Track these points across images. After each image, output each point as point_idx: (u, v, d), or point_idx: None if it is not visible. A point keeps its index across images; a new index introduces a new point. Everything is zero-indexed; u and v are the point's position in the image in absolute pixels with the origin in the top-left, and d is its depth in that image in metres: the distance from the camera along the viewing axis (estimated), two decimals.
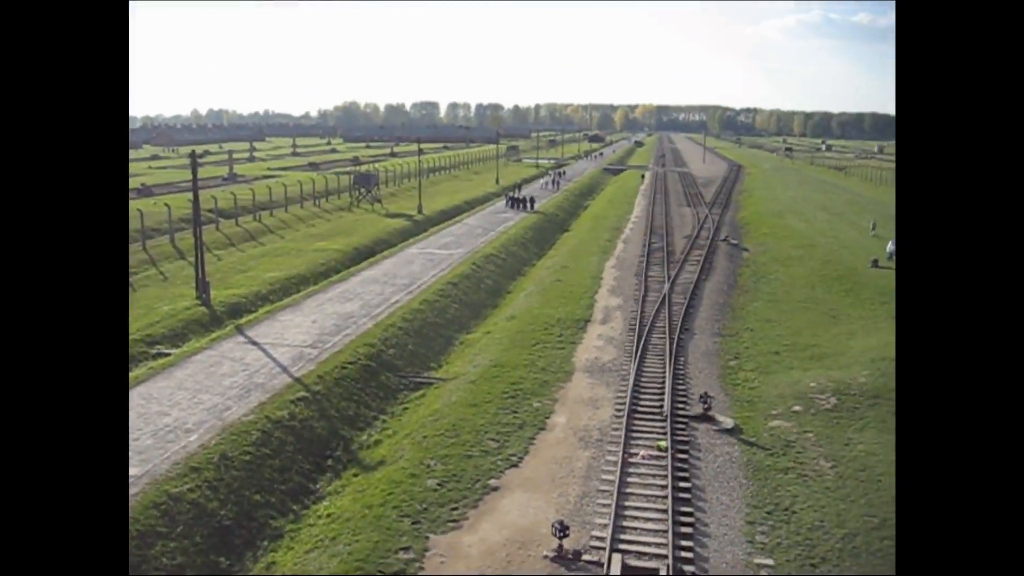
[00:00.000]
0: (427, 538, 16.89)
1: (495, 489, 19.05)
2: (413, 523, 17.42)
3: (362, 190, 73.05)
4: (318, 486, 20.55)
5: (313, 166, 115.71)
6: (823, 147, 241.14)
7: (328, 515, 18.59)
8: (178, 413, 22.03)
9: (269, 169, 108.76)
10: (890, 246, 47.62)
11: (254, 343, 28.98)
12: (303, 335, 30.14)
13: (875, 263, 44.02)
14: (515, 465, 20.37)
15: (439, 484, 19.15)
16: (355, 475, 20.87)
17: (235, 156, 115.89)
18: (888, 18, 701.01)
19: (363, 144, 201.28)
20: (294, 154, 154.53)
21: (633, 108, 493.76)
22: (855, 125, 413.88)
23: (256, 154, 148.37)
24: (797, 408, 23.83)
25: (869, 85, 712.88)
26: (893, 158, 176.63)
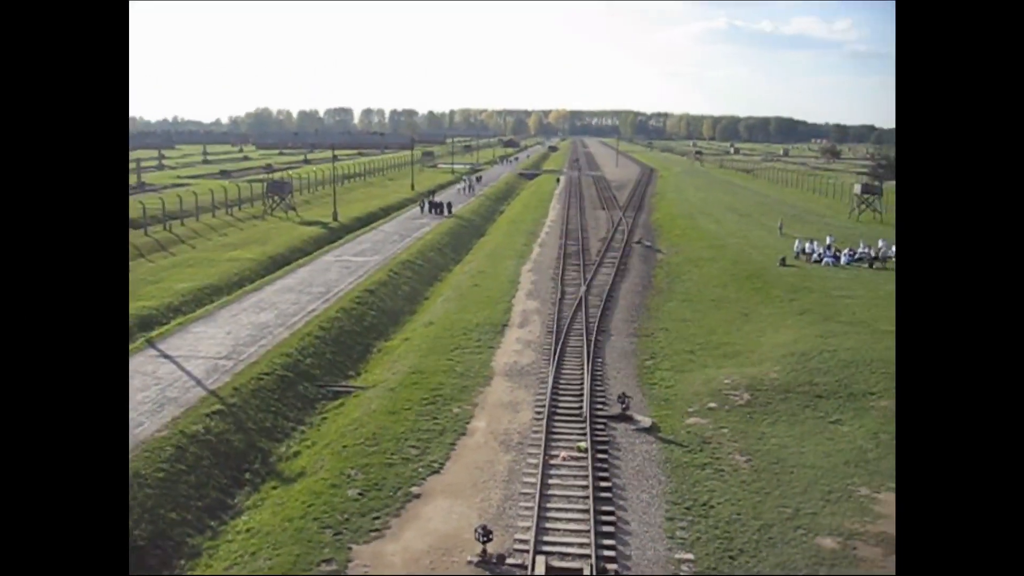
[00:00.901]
0: (350, 548, 16.74)
1: (417, 496, 18.99)
2: (335, 534, 17.24)
3: (276, 198, 71.77)
4: (236, 501, 20.12)
5: (225, 174, 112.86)
6: (731, 150, 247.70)
7: (247, 530, 18.21)
8: None
9: (179, 177, 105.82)
10: (797, 245, 49.21)
11: (166, 356, 28.21)
12: (217, 347, 29.48)
13: (783, 262, 45.43)
14: (436, 471, 20.33)
15: (360, 494, 18.99)
16: (274, 488, 20.51)
17: (143, 164, 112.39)
18: (791, 26, 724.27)
19: (276, 151, 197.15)
20: (205, 162, 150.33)
21: (547, 113, 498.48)
22: (761, 128, 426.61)
23: (165, 162, 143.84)
24: (712, 405, 24.41)
25: (773, 90, 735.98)
26: (798, 160, 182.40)
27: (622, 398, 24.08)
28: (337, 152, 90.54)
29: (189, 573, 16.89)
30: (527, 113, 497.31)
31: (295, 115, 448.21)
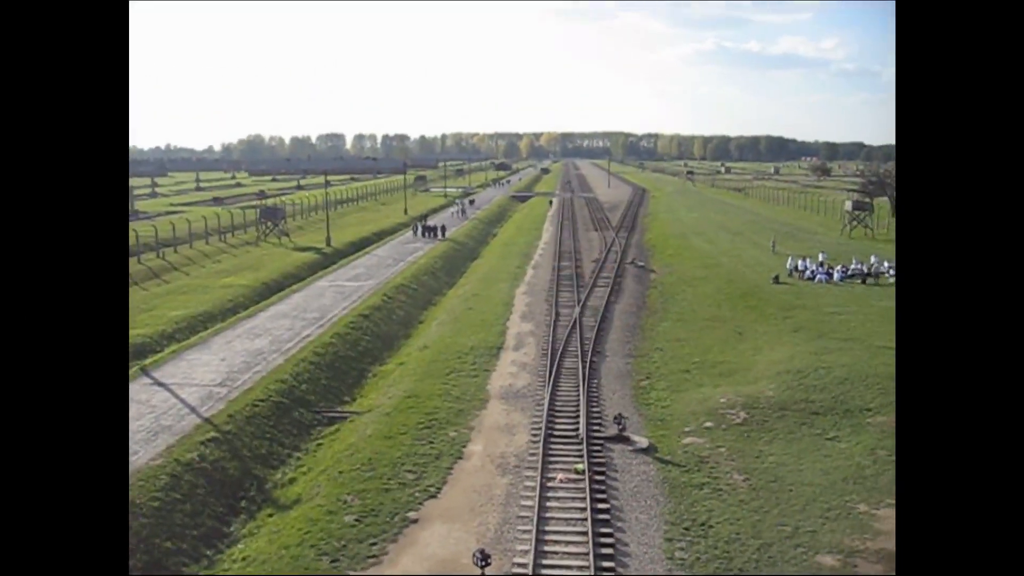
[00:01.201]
0: None
1: (414, 522, 18.87)
2: (332, 561, 17.11)
3: (269, 224, 71.87)
4: (232, 529, 19.99)
5: (218, 201, 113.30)
6: (723, 169, 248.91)
7: (243, 558, 18.09)
8: None
9: (172, 205, 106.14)
10: (789, 262, 49.32)
11: (160, 384, 28.10)
12: (212, 374, 29.39)
13: (776, 279, 45.51)
14: (433, 496, 20.22)
15: (357, 520, 18.87)
16: (270, 515, 20.39)
17: (136, 192, 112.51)
18: (779, 45, 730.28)
19: (269, 177, 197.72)
20: (198, 189, 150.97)
21: (538, 136, 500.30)
22: (751, 147, 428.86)
23: (158, 190, 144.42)
24: (709, 424, 24.36)
25: (763, 109, 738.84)
26: (789, 178, 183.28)
27: (618, 419, 24.02)
28: (330, 177, 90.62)
29: (192, 573, 16.87)
30: (519, 136, 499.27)
31: (287, 141, 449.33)
